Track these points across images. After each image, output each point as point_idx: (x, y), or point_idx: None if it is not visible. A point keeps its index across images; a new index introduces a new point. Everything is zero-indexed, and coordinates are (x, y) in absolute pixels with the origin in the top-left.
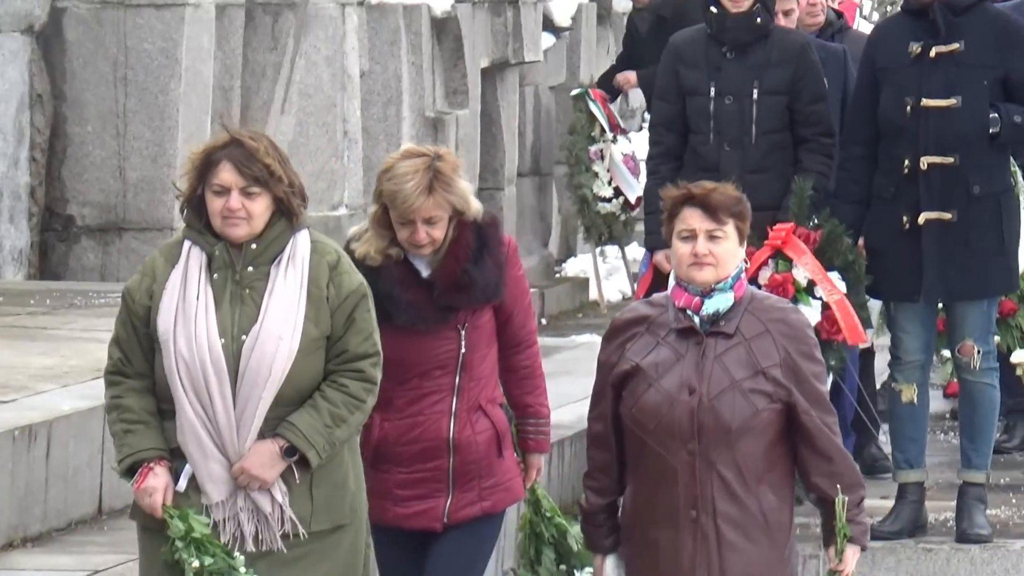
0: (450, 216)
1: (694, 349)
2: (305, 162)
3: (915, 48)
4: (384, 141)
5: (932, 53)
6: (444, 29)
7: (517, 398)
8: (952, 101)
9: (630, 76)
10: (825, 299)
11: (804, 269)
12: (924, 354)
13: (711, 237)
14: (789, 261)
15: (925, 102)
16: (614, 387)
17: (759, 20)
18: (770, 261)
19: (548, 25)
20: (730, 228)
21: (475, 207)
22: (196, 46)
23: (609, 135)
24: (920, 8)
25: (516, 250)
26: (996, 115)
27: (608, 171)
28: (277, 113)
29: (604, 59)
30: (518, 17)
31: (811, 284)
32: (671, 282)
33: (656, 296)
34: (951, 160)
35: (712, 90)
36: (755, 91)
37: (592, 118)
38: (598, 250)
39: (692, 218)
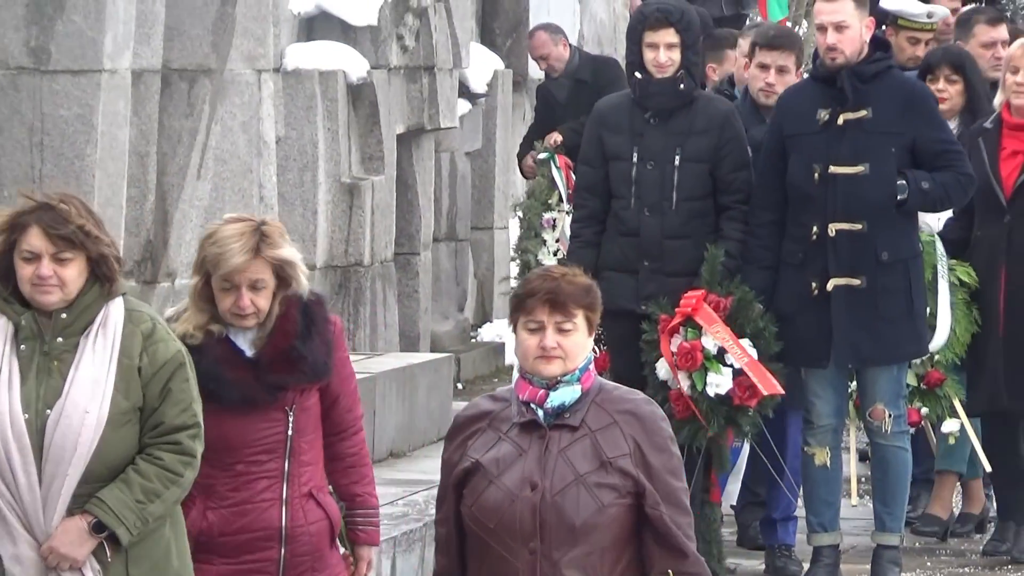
0: (275, 289)
1: (537, 443)
2: None
3: (823, 115)
4: (300, 207)
5: (840, 120)
6: (360, 95)
7: (344, 488)
8: (860, 168)
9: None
10: (737, 365)
11: (713, 337)
12: (836, 418)
13: (560, 329)
14: (699, 328)
15: (833, 169)
16: (455, 487)
17: (683, 86)
18: (681, 329)
19: (464, 92)
20: (579, 319)
21: (303, 281)
22: (112, 111)
23: (565, 206)
24: (828, 75)
25: (342, 331)
26: (903, 182)
27: (557, 240)
28: (193, 179)
29: (520, 126)
30: (434, 83)
31: (721, 352)
32: (515, 373)
33: (500, 390)
34: (859, 227)
35: (635, 155)
36: (677, 157)
37: (553, 184)
38: None
39: (539, 310)
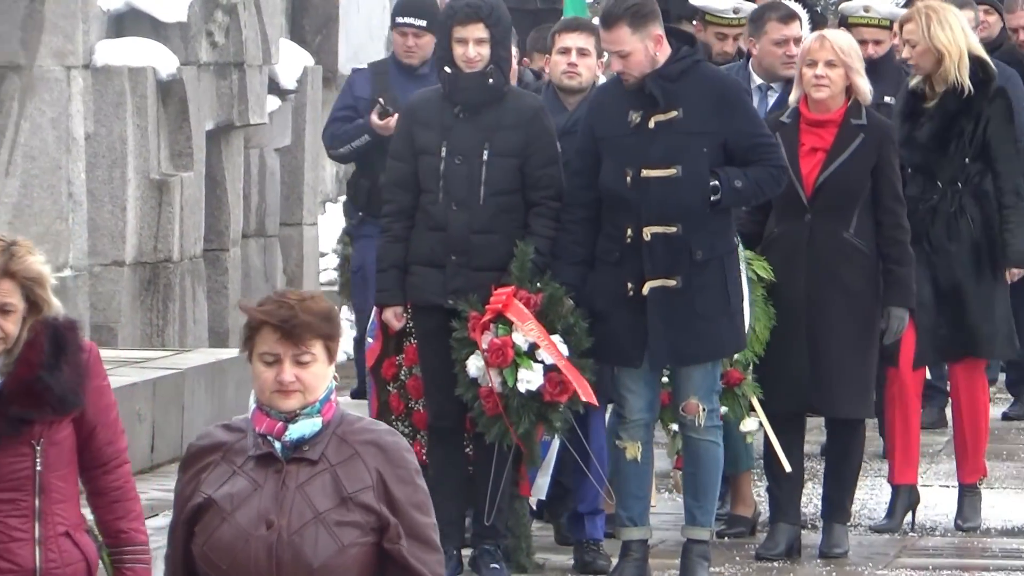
0: (26, 313)
1: (274, 478)
2: (30, 224)
3: (634, 117)
4: (109, 203)
5: (651, 123)
6: (169, 92)
7: (109, 524)
8: (672, 170)
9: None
10: (548, 361)
11: (525, 334)
12: (648, 413)
13: (297, 362)
14: (509, 325)
15: (645, 172)
16: (186, 524)
17: (492, 81)
18: (491, 325)
19: (273, 88)
20: (318, 349)
21: (55, 305)
22: None
23: None
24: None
25: (99, 358)
26: (716, 182)
27: None
28: (2, 175)
29: None
30: (243, 80)
31: (532, 348)
32: (251, 403)
33: (236, 419)
34: (674, 229)
35: (443, 150)
36: (486, 152)
37: None
38: None
39: (275, 342)
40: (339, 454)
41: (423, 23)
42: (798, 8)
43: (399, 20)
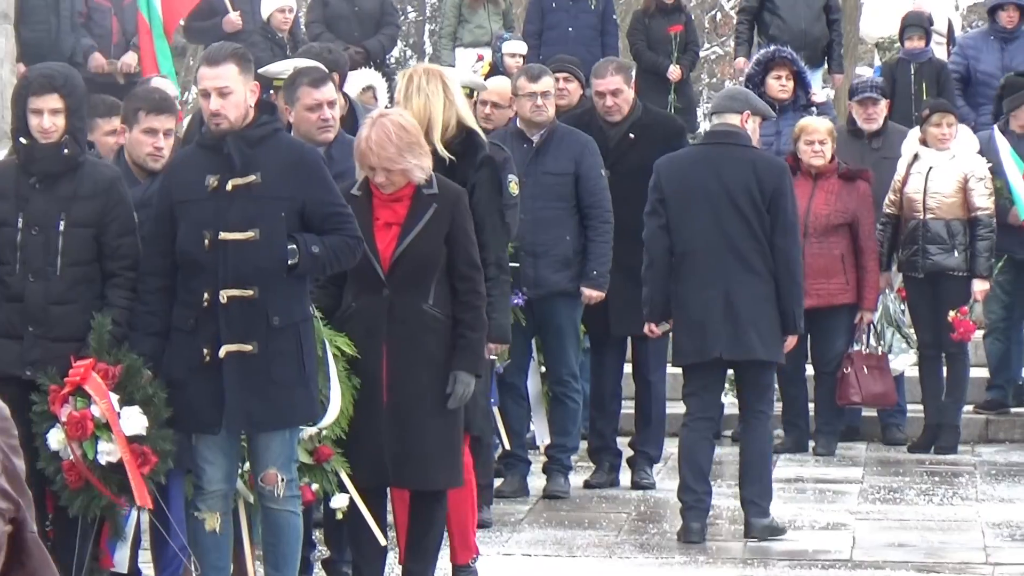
0: None
1: None
2: None
3: (212, 181)
4: None
5: (229, 186)
6: None
7: None
8: (250, 234)
9: None
10: (129, 433)
11: (100, 408)
12: (227, 483)
13: None
14: (88, 397)
15: (223, 235)
16: None
17: (67, 151)
18: (70, 398)
19: None
20: None
21: None
22: None
23: None
24: (215, 143)
25: None
26: (294, 246)
27: None
28: None
29: None
30: None
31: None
32: None
33: None
34: (250, 292)
35: (20, 221)
36: (61, 223)
37: None
38: None
39: None
40: None
41: None
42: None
43: None
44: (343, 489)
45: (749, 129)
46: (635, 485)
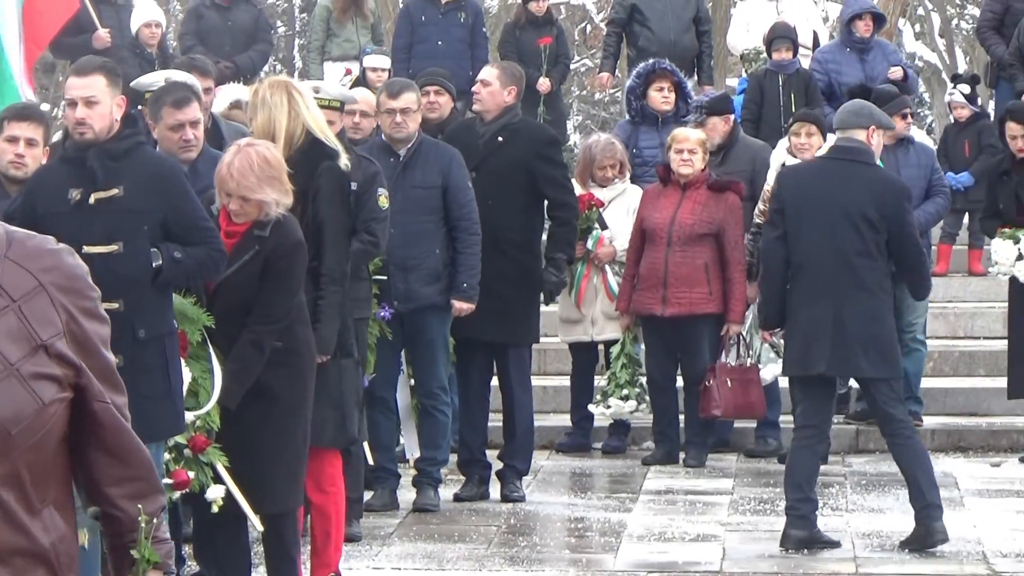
0: None
1: None
2: None
3: (75, 194)
4: None
5: (92, 199)
6: None
7: None
8: (113, 247)
9: None
10: None
11: None
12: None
13: None
14: None
15: (86, 249)
16: None
17: None
18: None
19: None
20: None
21: None
22: None
23: None
24: (78, 156)
25: None
26: (156, 250)
27: None
28: None
29: None
30: None
31: None
32: None
33: None
34: (116, 306)
35: None
36: None
37: None
38: None
39: None
40: (20, 284)
41: None
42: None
43: None
44: (219, 480)
45: (874, 144)
46: (504, 498)
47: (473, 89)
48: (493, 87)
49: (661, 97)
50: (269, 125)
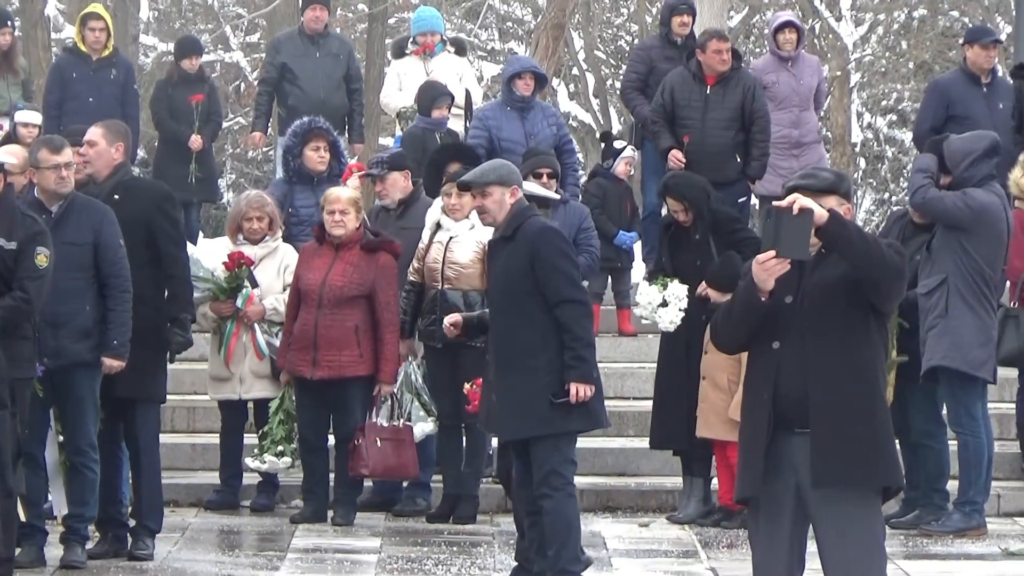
0: None
1: None
2: None
3: None
4: None
5: None
6: None
7: None
8: None
9: None
10: None
11: None
12: None
13: None
14: None
15: None
16: None
17: None
18: None
19: None
20: None
21: None
22: None
23: None
24: None
25: None
26: None
27: None
28: None
29: None
30: None
31: None
32: None
33: None
34: None
35: None
36: None
37: None
38: None
39: None
40: None
41: None
42: None
43: None
44: None
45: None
46: (130, 556)
47: (81, 151)
48: (100, 146)
49: (317, 157)
50: None
